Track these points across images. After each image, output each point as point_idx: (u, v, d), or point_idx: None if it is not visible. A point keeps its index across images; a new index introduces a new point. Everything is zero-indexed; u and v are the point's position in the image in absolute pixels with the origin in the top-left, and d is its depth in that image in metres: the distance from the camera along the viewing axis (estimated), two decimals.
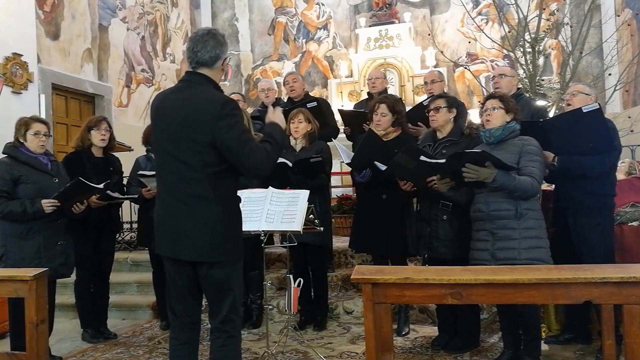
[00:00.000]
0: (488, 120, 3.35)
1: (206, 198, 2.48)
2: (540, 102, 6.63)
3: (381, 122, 4.09)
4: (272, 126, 2.69)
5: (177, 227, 2.51)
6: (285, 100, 5.66)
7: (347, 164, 4.16)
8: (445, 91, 5.12)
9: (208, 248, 2.49)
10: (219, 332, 2.59)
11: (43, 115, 6.48)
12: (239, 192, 2.70)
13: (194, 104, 2.50)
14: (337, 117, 5.46)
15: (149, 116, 2.79)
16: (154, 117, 2.66)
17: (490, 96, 3.45)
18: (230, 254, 2.56)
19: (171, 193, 2.55)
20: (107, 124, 4.37)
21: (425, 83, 5.23)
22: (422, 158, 3.43)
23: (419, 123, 4.51)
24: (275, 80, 6.78)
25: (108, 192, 4.08)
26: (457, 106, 3.79)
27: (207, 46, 2.54)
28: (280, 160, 4.12)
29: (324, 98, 8.39)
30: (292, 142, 4.41)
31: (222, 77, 2.72)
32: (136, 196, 4.42)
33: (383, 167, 3.72)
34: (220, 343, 2.58)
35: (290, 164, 4.09)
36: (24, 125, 3.78)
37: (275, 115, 2.74)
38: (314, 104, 4.79)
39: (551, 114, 6.67)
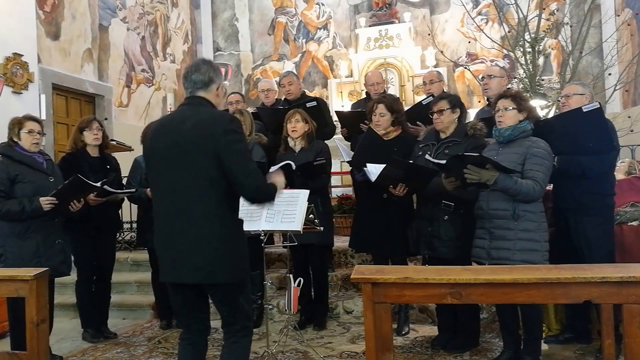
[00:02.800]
0: (500, 122, 3.33)
1: (215, 216, 2.49)
2: (539, 102, 6.65)
3: (380, 122, 4.09)
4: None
5: (184, 250, 2.49)
6: (283, 100, 5.64)
7: (347, 162, 4.16)
8: (444, 91, 5.12)
9: (219, 269, 2.49)
10: (233, 332, 2.64)
11: (43, 116, 6.50)
12: None
13: (201, 119, 2.53)
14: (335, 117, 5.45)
15: (145, 143, 2.82)
16: (153, 141, 2.65)
17: (503, 95, 3.39)
18: (239, 272, 2.58)
19: (175, 217, 2.52)
20: (98, 124, 4.36)
21: (424, 83, 5.24)
22: (427, 157, 3.46)
23: (418, 122, 4.52)
24: (275, 81, 6.78)
25: (105, 187, 4.07)
26: (460, 106, 3.79)
27: (201, 69, 2.63)
28: (285, 162, 4.12)
29: (322, 97, 8.38)
30: (291, 143, 4.40)
31: (219, 103, 2.73)
32: (134, 190, 4.42)
33: (372, 176, 3.73)
34: (234, 340, 2.64)
35: (294, 166, 4.09)
36: (17, 124, 3.79)
37: (276, 179, 2.77)
38: (314, 103, 4.77)
39: (551, 114, 6.70)
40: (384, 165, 3.63)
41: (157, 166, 2.63)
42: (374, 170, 3.74)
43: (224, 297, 2.59)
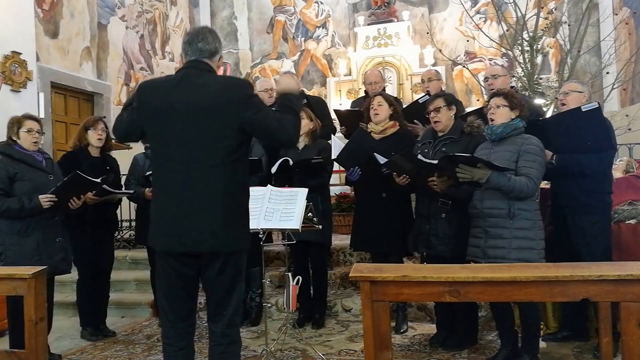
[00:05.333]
0: (492, 119, 3.35)
1: (229, 187, 2.45)
2: (538, 101, 6.65)
3: (379, 111, 4.08)
4: (286, 96, 2.70)
5: (198, 221, 2.43)
6: None
7: (333, 159, 4.16)
8: (442, 89, 5.12)
9: (232, 237, 2.47)
10: (222, 337, 2.54)
11: (42, 114, 6.49)
12: None
13: (217, 86, 2.48)
14: (334, 116, 5.45)
15: (146, 100, 2.55)
16: (159, 106, 2.49)
17: (495, 94, 3.43)
18: (248, 240, 2.57)
19: (187, 187, 2.45)
20: (103, 124, 4.39)
21: (422, 82, 5.23)
22: (420, 157, 3.45)
23: (415, 121, 4.52)
24: (275, 79, 6.79)
25: (104, 186, 4.07)
26: (455, 103, 3.80)
27: (207, 38, 2.55)
28: (282, 158, 4.13)
29: (320, 96, 8.38)
30: None
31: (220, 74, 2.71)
32: (132, 191, 4.42)
33: (382, 160, 3.72)
34: (222, 350, 2.54)
35: (291, 162, 4.08)
36: (16, 123, 3.79)
37: (285, 82, 2.76)
38: (304, 101, 4.80)
39: (549, 113, 6.70)
40: (396, 155, 3.60)
41: (166, 136, 2.49)
42: (381, 158, 3.72)
43: (228, 267, 2.49)
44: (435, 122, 3.73)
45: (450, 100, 3.76)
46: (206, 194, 2.44)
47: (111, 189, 4.17)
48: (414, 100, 5.18)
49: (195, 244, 2.45)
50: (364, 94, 5.56)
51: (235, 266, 2.53)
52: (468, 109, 6.01)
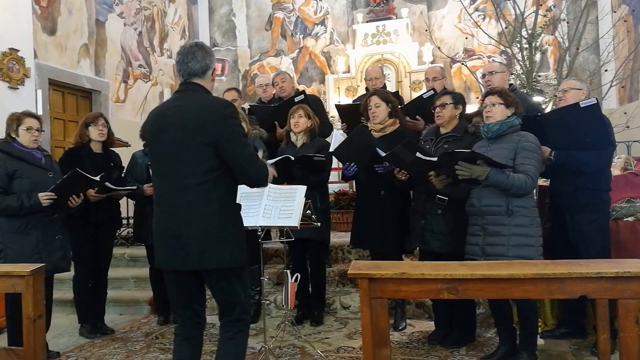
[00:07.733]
0: (488, 117, 3.37)
1: (210, 205, 2.50)
2: (536, 98, 6.66)
3: (377, 113, 4.07)
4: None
5: (184, 237, 2.49)
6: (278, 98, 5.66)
7: (330, 152, 4.16)
8: (445, 87, 5.10)
9: (218, 254, 2.50)
10: (230, 326, 2.63)
11: (40, 111, 6.47)
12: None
13: (197, 107, 2.55)
14: (334, 113, 5.45)
15: (145, 133, 2.83)
16: (153, 129, 2.65)
17: (489, 92, 3.45)
18: (236, 258, 2.56)
19: (173, 205, 2.53)
20: (104, 120, 4.37)
21: (427, 79, 5.14)
22: (418, 154, 3.45)
23: (417, 117, 4.51)
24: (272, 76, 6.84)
25: (106, 184, 4.07)
26: (463, 103, 3.81)
27: (197, 57, 2.61)
28: (283, 156, 4.12)
29: (317, 95, 8.37)
30: (293, 137, 4.40)
31: (212, 87, 2.75)
32: (135, 187, 4.41)
33: (384, 154, 3.71)
34: (231, 336, 2.63)
35: (293, 159, 4.08)
36: (15, 120, 3.78)
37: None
38: (301, 97, 4.80)
39: (548, 110, 6.70)
40: (397, 146, 3.58)
41: (158, 155, 2.63)
42: (383, 153, 3.71)
43: (221, 283, 2.57)
44: (438, 116, 3.75)
45: (458, 99, 3.77)
46: (188, 212, 2.50)
47: (113, 187, 4.17)
48: (419, 95, 5.12)
49: (181, 263, 2.53)
50: (364, 91, 5.55)
51: (231, 281, 2.58)
52: (467, 107, 6.00)
